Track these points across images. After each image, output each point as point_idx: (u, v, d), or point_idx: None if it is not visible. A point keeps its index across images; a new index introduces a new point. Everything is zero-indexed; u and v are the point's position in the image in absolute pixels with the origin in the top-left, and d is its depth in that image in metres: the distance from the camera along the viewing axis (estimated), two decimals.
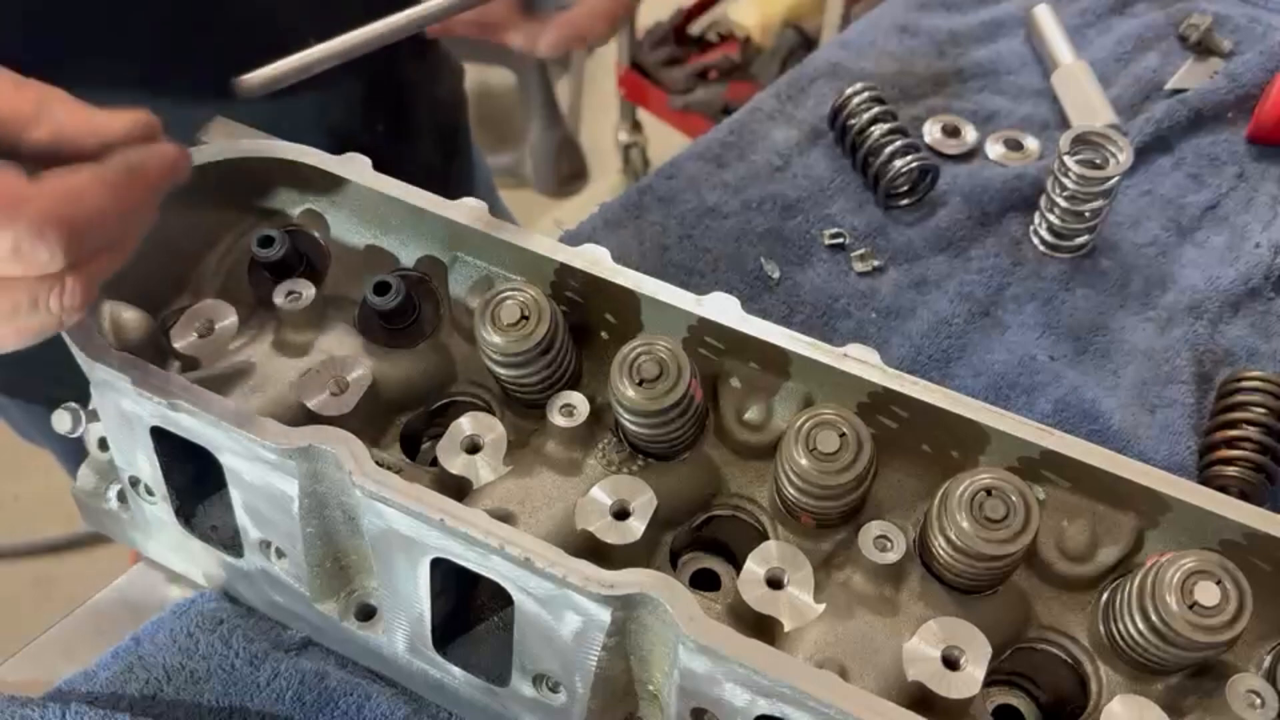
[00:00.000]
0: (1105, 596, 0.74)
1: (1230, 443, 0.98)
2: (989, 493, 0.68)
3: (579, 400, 0.79)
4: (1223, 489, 0.91)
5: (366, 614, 0.83)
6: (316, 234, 0.89)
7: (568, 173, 3.40)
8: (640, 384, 0.74)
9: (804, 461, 0.72)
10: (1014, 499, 0.68)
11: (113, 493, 0.91)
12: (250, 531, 0.80)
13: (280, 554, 0.81)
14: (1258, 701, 0.67)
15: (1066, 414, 1.06)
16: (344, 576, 0.82)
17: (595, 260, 0.80)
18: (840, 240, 1.22)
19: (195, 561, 0.89)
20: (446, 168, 1.41)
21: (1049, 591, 0.76)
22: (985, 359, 1.12)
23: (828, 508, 0.75)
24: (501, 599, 0.76)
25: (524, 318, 0.76)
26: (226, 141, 0.87)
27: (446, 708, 0.85)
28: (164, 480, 0.82)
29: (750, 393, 0.81)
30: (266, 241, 0.84)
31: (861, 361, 0.75)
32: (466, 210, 0.83)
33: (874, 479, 0.75)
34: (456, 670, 0.79)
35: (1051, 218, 1.17)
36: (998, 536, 0.68)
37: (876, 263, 1.19)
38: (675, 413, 0.75)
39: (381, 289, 0.82)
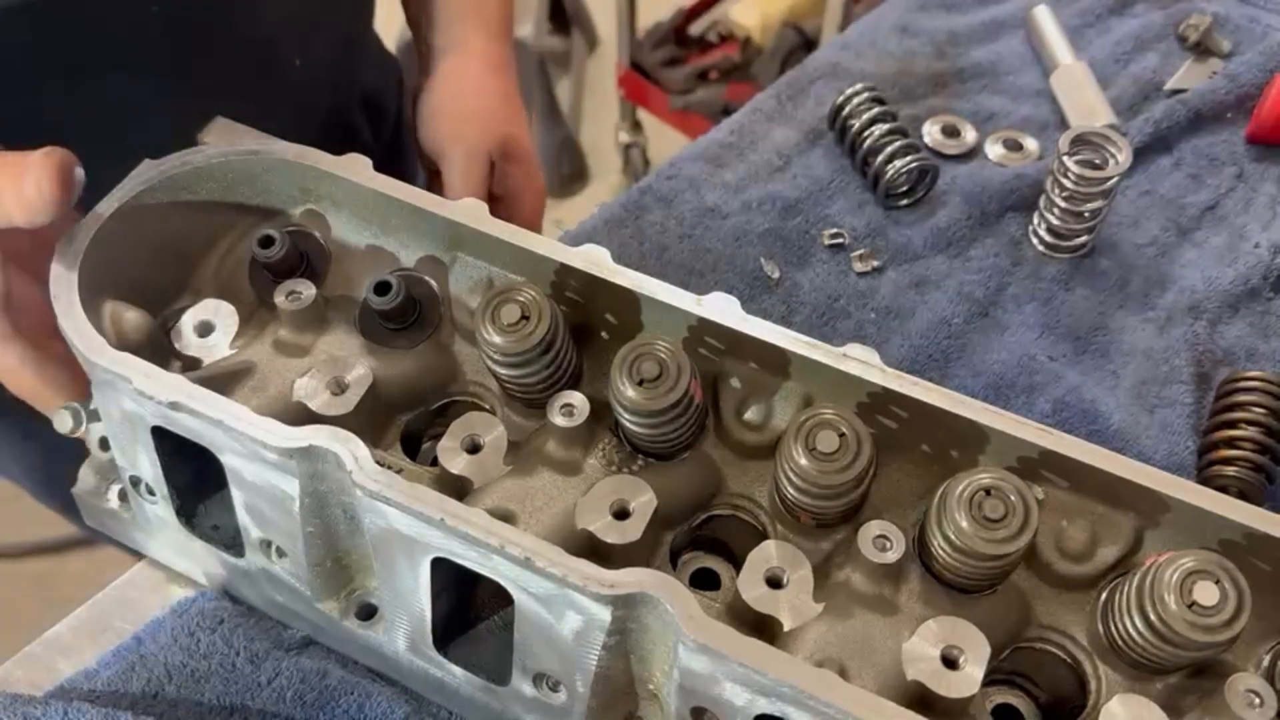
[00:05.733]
0: (1104, 596, 0.74)
1: (1229, 443, 0.98)
2: (988, 492, 0.68)
3: (579, 400, 0.79)
4: (1222, 489, 0.91)
5: (367, 613, 0.84)
6: (317, 234, 0.89)
7: (568, 173, 3.40)
8: (640, 384, 0.74)
9: (804, 461, 0.72)
10: (1013, 499, 0.68)
11: (114, 492, 0.91)
12: (251, 531, 0.81)
13: (281, 553, 0.81)
14: (1257, 701, 0.67)
15: (1066, 414, 1.06)
16: (344, 576, 0.82)
17: (595, 260, 0.80)
18: (840, 240, 1.22)
19: (196, 561, 0.89)
20: None
21: (1048, 591, 0.76)
22: (984, 359, 1.12)
23: (827, 507, 0.75)
24: (502, 598, 0.76)
25: (524, 318, 0.76)
26: (227, 142, 0.88)
27: (447, 707, 0.85)
28: (165, 480, 0.82)
29: (750, 393, 0.81)
30: (267, 241, 0.84)
31: (861, 361, 0.75)
32: (466, 210, 0.83)
33: (873, 479, 0.75)
34: (457, 670, 0.79)
35: (1051, 218, 1.17)
36: (997, 536, 0.68)
37: (876, 263, 1.19)
38: (675, 413, 0.75)
39: (382, 289, 0.82)
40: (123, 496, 0.91)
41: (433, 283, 0.87)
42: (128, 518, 0.90)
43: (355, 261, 0.89)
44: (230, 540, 0.84)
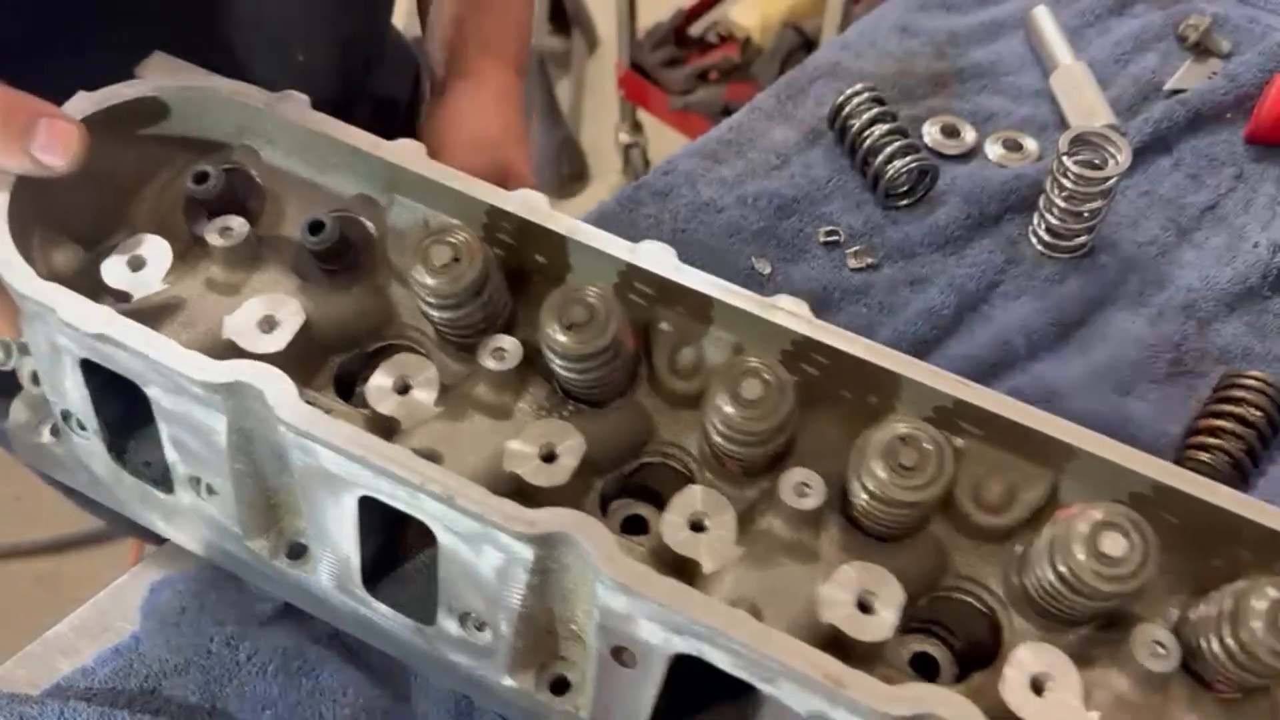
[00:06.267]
0: (1020, 548, 0.76)
1: (1211, 432, 1.00)
2: (904, 441, 0.69)
3: (510, 344, 0.79)
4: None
5: (296, 552, 0.84)
6: (254, 172, 0.88)
7: (568, 173, 3.39)
8: (569, 328, 0.74)
9: (728, 409, 0.72)
10: (927, 447, 0.69)
11: (47, 428, 0.91)
12: (179, 467, 0.81)
13: (211, 491, 0.81)
14: (1161, 651, 0.68)
15: (1026, 397, 1.06)
16: (274, 515, 0.83)
17: (532, 206, 0.80)
18: (836, 238, 1.21)
19: (128, 496, 0.89)
20: None
21: (966, 542, 0.78)
22: (963, 345, 1.12)
23: (752, 454, 0.76)
24: (431, 539, 0.76)
25: (455, 259, 0.76)
26: (164, 76, 0.87)
27: (378, 646, 0.86)
28: (95, 415, 0.82)
29: (681, 342, 0.82)
30: (201, 177, 0.83)
31: (787, 311, 0.75)
32: (403, 151, 0.83)
33: (796, 426, 0.76)
34: (384, 609, 0.79)
35: (1050, 218, 1.17)
36: (912, 484, 0.69)
37: (871, 260, 1.19)
38: (604, 357, 0.76)
39: (315, 228, 0.81)
40: (55, 432, 0.90)
41: (369, 224, 0.87)
42: (60, 453, 0.90)
43: (292, 201, 0.88)
44: (161, 477, 0.84)
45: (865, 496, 0.71)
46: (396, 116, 1.34)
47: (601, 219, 1.24)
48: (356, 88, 1.22)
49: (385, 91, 1.31)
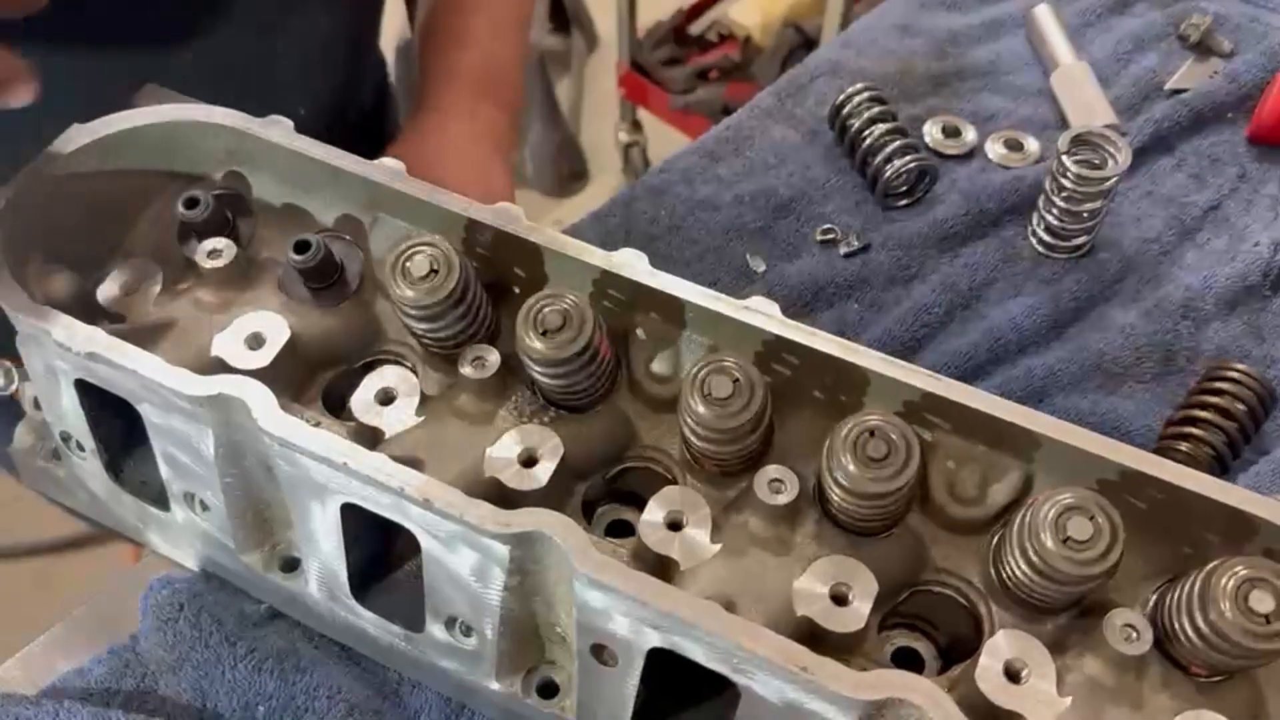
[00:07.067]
0: (996, 539, 0.76)
1: (1190, 421, 0.99)
2: (871, 433, 0.70)
3: (489, 352, 0.81)
4: None
5: (290, 566, 0.86)
6: (244, 196, 0.91)
7: (568, 173, 3.41)
8: (544, 334, 0.76)
9: (700, 408, 0.74)
10: (894, 437, 0.70)
11: (49, 451, 0.94)
12: (173, 484, 0.83)
13: (205, 506, 0.83)
14: (1134, 635, 0.69)
15: (1016, 393, 1.06)
16: (266, 529, 0.84)
17: (508, 217, 0.82)
18: (832, 236, 1.22)
19: (127, 514, 0.91)
20: None
21: (944, 535, 0.78)
22: (955, 343, 1.12)
23: (727, 452, 0.77)
24: (418, 548, 0.78)
25: (434, 270, 0.78)
26: (155, 106, 0.90)
27: (369, 655, 0.88)
28: (91, 435, 0.84)
29: (658, 345, 0.83)
30: (191, 203, 0.86)
31: (757, 311, 0.77)
32: (384, 170, 0.85)
33: (770, 424, 0.77)
34: (372, 616, 0.81)
35: (1049, 218, 1.17)
36: (881, 475, 0.70)
37: (856, 243, 1.20)
38: (580, 362, 0.77)
39: (301, 247, 0.83)
40: (56, 455, 0.93)
41: (355, 242, 0.89)
42: (61, 475, 0.93)
43: (281, 222, 0.91)
44: (157, 495, 0.86)
45: (837, 490, 0.72)
46: (351, 117, 1.33)
47: (598, 217, 1.25)
48: (341, 128, 1.24)
49: (359, 129, 1.32)
